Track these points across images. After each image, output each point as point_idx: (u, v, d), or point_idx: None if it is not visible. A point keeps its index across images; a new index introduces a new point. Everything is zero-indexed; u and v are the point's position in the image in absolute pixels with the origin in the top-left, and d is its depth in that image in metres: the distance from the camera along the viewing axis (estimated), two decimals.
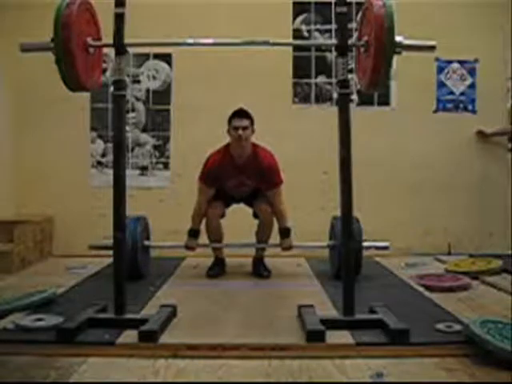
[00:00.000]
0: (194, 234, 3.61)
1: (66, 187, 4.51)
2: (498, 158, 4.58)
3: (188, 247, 3.61)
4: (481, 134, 4.59)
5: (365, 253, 4.05)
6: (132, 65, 4.58)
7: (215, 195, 3.61)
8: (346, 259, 2.52)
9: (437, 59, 4.59)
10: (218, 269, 3.69)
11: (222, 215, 3.72)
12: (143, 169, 4.61)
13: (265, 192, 3.56)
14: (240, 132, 3.38)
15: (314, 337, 2.27)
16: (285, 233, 3.58)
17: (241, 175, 3.52)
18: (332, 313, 2.69)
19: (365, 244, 3.47)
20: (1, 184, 4.39)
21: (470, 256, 4.21)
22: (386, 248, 3.61)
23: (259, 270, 3.66)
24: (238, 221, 3.78)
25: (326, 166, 4.26)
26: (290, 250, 3.60)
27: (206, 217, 3.60)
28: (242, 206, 3.77)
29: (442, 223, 4.59)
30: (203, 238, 3.70)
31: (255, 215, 3.71)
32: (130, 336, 2.30)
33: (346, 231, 2.52)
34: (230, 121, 3.46)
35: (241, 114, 3.44)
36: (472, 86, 4.66)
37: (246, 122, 3.42)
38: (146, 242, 3.55)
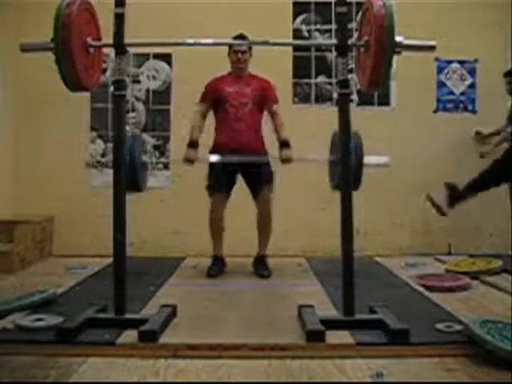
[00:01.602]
0: (192, 145, 3.57)
1: (66, 187, 4.50)
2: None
3: (187, 159, 3.51)
4: (479, 135, 4.59)
5: (365, 253, 4.07)
6: (132, 65, 4.58)
7: (217, 175, 3.60)
8: (345, 260, 2.52)
9: (437, 59, 4.59)
10: (218, 268, 3.68)
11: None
12: None
13: (265, 106, 3.66)
14: (239, 55, 3.59)
15: (314, 337, 2.27)
16: (285, 144, 3.54)
17: (240, 83, 3.66)
18: (332, 313, 2.69)
19: (365, 160, 3.30)
20: (1, 184, 4.39)
21: (469, 256, 4.21)
22: (385, 165, 3.41)
23: (260, 269, 3.66)
24: (239, 220, 3.78)
25: (326, 166, 4.25)
26: (289, 162, 3.48)
27: (210, 209, 3.60)
28: (242, 204, 3.75)
29: (441, 223, 4.59)
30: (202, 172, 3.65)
31: (254, 197, 3.69)
32: (130, 336, 2.31)
33: (346, 232, 2.52)
34: (230, 45, 3.64)
35: (240, 37, 3.56)
36: (472, 85, 4.66)
37: (244, 47, 3.60)
38: (144, 158, 3.44)
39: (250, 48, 3.67)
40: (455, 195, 4.22)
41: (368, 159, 3.17)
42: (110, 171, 2.66)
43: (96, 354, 2.17)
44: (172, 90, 4.60)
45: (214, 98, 3.67)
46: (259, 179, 3.63)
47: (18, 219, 4.17)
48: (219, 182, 3.63)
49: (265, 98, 3.67)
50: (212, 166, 3.65)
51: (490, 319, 2.30)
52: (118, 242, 2.52)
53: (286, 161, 3.49)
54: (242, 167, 3.61)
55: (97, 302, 2.65)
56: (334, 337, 2.30)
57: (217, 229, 3.69)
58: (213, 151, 3.67)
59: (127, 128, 3.30)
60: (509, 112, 4.34)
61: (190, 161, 3.51)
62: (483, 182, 4.14)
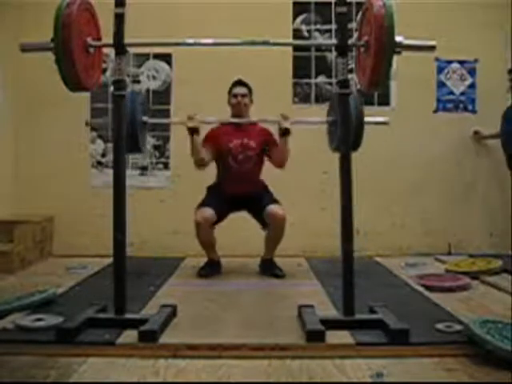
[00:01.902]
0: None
1: (66, 187, 4.51)
2: (498, 157, 4.57)
3: (190, 128, 3.37)
4: (477, 135, 4.59)
5: (365, 253, 4.07)
6: (132, 65, 4.58)
7: (213, 202, 3.58)
8: (345, 260, 2.52)
9: (437, 59, 4.59)
10: (210, 269, 3.66)
11: (215, 222, 3.60)
12: (143, 169, 4.61)
13: (271, 149, 3.61)
14: (239, 98, 3.60)
15: (314, 337, 2.27)
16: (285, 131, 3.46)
17: (242, 133, 3.62)
18: (332, 313, 2.69)
19: (365, 119, 3.16)
20: (1, 184, 4.39)
21: (469, 256, 4.21)
22: (385, 123, 3.29)
23: (273, 270, 3.64)
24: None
25: (326, 166, 4.25)
26: (288, 134, 3.42)
27: (195, 222, 3.53)
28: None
29: (442, 223, 4.59)
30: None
31: (263, 224, 3.64)
32: (130, 336, 2.31)
33: (347, 233, 2.52)
34: (229, 91, 3.68)
35: (240, 83, 3.67)
36: (472, 85, 4.66)
37: (244, 90, 3.65)
38: (145, 118, 3.41)
39: (250, 93, 3.66)
40: None
41: (368, 119, 3.17)
42: (110, 171, 2.66)
43: (96, 354, 2.17)
44: (172, 90, 4.60)
45: (216, 150, 3.60)
46: (262, 204, 3.57)
47: (18, 219, 4.17)
48: (211, 201, 3.60)
49: (268, 143, 3.64)
50: (208, 192, 3.67)
51: (490, 319, 2.30)
52: (117, 242, 2.52)
53: (284, 130, 3.41)
54: (241, 205, 3.65)
55: (97, 301, 2.65)
56: (334, 337, 2.30)
57: (207, 243, 3.64)
58: (214, 187, 3.70)
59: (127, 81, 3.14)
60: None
61: (193, 129, 3.37)
62: None
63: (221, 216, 3.61)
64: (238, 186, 3.61)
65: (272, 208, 3.53)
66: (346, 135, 2.57)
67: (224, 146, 3.60)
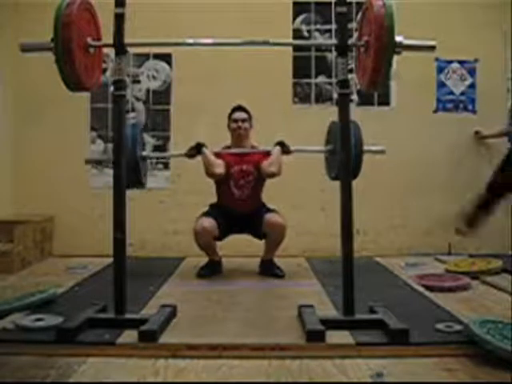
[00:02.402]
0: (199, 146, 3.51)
1: (66, 187, 4.50)
2: (498, 157, 4.56)
3: (197, 145, 3.47)
4: (478, 135, 4.59)
5: (365, 253, 4.07)
6: (132, 65, 4.58)
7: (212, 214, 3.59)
8: (345, 260, 2.52)
9: (437, 59, 4.59)
10: (209, 269, 3.66)
11: (216, 238, 3.62)
12: None
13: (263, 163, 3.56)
14: (240, 123, 3.62)
15: (314, 337, 2.27)
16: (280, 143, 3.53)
17: (242, 159, 3.61)
18: (332, 313, 2.69)
19: (364, 148, 3.26)
20: (1, 184, 4.39)
21: (469, 256, 4.22)
22: (382, 152, 3.35)
23: (273, 270, 3.64)
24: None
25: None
26: (283, 146, 3.51)
27: (193, 231, 3.53)
28: None
29: (441, 223, 4.59)
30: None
31: (262, 237, 3.65)
32: (130, 336, 2.30)
33: (347, 233, 2.52)
34: (229, 116, 3.69)
35: (239, 108, 3.68)
36: (472, 86, 4.66)
37: (244, 115, 3.66)
38: (145, 153, 3.43)
39: (249, 118, 3.67)
40: (469, 222, 3.99)
41: (367, 148, 3.22)
42: (110, 171, 2.66)
43: (96, 354, 2.17)
44: (172, 90, 4.59)
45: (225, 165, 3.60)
46: (259, 220, 3.56)
47: (18, 219, 4.17)
48: (213, 213, 3.60)
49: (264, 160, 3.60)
50: (209, 211, 3.66)
51: (490, 319, 2.31)
52: (118, 242, 2.52)
53: (281, 143, 3.51)
54: (242, 224, 3.64)
55: (97, 301, 2.65)
56: (334, 337, 2.30)
57: (208, 250, 3.64)
58: (216, 205, 3.70)
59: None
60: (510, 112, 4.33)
61: (200, 144, 3.49)
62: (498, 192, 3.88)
63: (223, 231, 3.61)
64: (239, 207, 3.63)
65: (270, 217, 3.54)
66: (346, 140, 2.55)
67: (227, 170, 3.59)
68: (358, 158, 3.12)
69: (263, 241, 3.66)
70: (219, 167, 3.52)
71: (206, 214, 3.60)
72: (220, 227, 3.56)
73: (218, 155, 3.57)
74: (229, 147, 3.70)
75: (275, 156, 3.50)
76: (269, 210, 3.63)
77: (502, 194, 3.85)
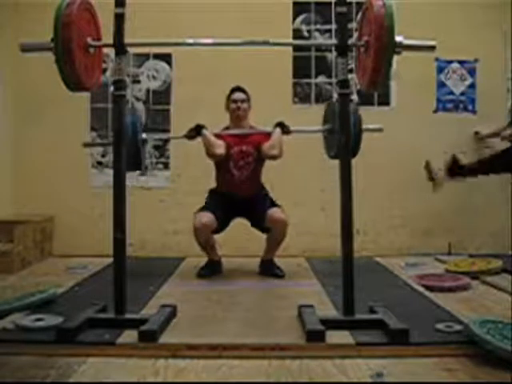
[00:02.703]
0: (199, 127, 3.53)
1: (66, 187, 4.50)
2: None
3: (197, 126, 3.50)
4: (477, 135, 4.59)
5: (365, 253, 4.07)
6: (132, 65, 4.58)
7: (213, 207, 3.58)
8: (345, 260, 2.52)
9: (437, 59, 4.59)
10: (209, 269, 3.66)
11: (215, 231, 3.61)
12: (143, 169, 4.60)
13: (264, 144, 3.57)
14: (239, 104, 3.63)
15: (314, 337, 2.27)
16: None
17: (242, 140, 3.61)
18: (332, 313, 2.69)
19: (363, 127, 3.31)
20: (1, 184, 4.39)
21: (469, 256, 4.22)
22: (380, 130, 3.43)
23: (273, 270, 3.64)
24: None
25: (326, 166, 4.26)
26: (283, 127, 3.54)
27: (193, 227, 3.51)
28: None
29: (442, 223, 4.59)
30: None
31: (263, 230, 3.64)
32: (130, 336, 2.30)
33: (347, 233, 2.52)
34: (228, 97, 3.70)
35: (238, 89, 3.68)
36: (472, 86, 4.66)
37: (243, 96, 3.67)
38: (144, 135, 3.41)
39: (248, 99, 3.68)
40: (456, 169, 4.32)
41: (366, 126, 3.28)
42: (110, 171, 2.66)
43: (96, 354, 2.17)
44: (172, 90, 4.59)
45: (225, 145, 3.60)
46: (262, 212, 3.55)
47: (18, 219, 4.17)
48: (211, 206, 3.59)
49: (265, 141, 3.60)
50: (210, 197, 3.67)
51: (490, 319, 2.30)
52: (118, 242, 2.52)
53: (281, 124, 3.53)
54: (242, 209, 3.63)
55: (97, 302, 2.65)
56: (334, 337, 2.30)
57: (205, 245, 3.63)
58: (215, 192, 3.69)
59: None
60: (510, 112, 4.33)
61: (199, 125, 3.51)
62: (484, 170, 4.22)
63: (222, 222, 3.60)
64: (239, 191, 3.62)
65: (273, 212, 3.53)
66: (347, 139, 2.56)
67: (226, 151, 3.59)
68: (357, 137, 3.11)
69: (263, 241, 3.66)
70: (220, 148, 3.51)
71: (203, 209, 3.58)
72: (218, 220, 3.54)
73: (217, 136, 3.56)
74: (227, 128, 3.70)
75: (276, 138, 3.51)
76: (273, 204, 3.60)
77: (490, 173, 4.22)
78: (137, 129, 3.24)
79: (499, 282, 3.39)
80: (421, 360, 2.14)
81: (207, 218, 3.50)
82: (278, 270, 3.64)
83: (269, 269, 3.65)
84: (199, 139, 3.52)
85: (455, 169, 4.31)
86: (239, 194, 3.62)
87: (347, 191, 2.52)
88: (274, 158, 3.55)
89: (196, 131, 3.51)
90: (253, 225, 3.69)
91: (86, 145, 3.75)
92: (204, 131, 3.49)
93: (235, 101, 3.64)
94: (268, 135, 3.56)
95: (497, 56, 4.58)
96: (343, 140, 2.55)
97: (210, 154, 3.51)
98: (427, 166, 4.41)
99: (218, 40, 2.98)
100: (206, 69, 4.41)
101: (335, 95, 4.40)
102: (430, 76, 4.62)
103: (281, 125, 3.54)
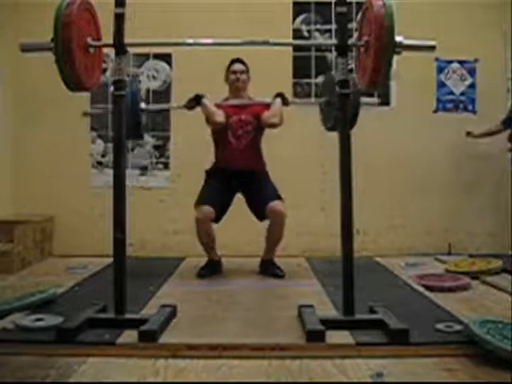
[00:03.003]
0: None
1: (66, 187, 4.50)
2: (497, 157, 4.57)
3: (196, 96, 3.52)
4: (470, 136, 4.56)
5: (365, 253, 4.07)
6: (132, 65, 4.58)
7: (210, 189, 3.58)
8: (345, 260, 2.52)
9: (437, 59, 4.59)
10: (209, 269, 3.66)
11: (216, 219, 3.60)
12: (143, 169, 4.61)
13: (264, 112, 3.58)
14: (238, 75, 3.66)
15: (314, 337, 2.27)
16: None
17: (241, 110, 3.64)
18: (332, 313, 2.69)
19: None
20: (1, 184, 4.39)
21: (469, 256, 4.21)
22: (374, 104, 3.51)
23: (273, 270, 3.64)
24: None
25: (326, 166, 4.27)
26: (288, 104, 3.58)
27: (195, 219, 3.52)
28: (242, 203, 3.75)
29: (442, 223, 4.59)
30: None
31: (260, 217, 3.63)
32: (130, 336, 2.30)
33: (347, 233, 2.52)
34: (228, 68, 3.73)
35: (237, 60, 3.71)
36: (472, 86, 4.66)
37: (242, 67, 3.70)
38: (143, 105, 3.40)
39: (247, 70, 3.71)
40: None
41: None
42: (110, 171, 2.66)
43: (96, 354, 2.17)
44: (172, 90, 4.59)
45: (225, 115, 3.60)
46: (263, 199, 3.55)
47: (18, 219, 4.17)
48: (209, 194, 3.58)
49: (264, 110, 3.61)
50: (207, 180, 3.66)
51: (490, 319, 2.30)
52: (118, 242, 2.52)
53: (280, 95, 3.56)
54: (242, 184, 3.61)
55: (97, 301, 2.65)
56: (334, 337, 2.30)
57: (206, 241, 3.62)
58: (215, 168, 3.68)
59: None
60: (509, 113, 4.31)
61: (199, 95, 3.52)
62: None
63: (222, 206, 3.60)
64: (238, 161, 3.60)
65: (275, 204, 3.51)
66: (346, 138, 2.55)
67: (226, 120, 3.58)
68: (354, 110, 3.10)
69: (263, 241, 3.66)
70: (220, 116, 3.52)
71: (203, 197, 3.58)
72: (217, 208, 3.54)
73: (217, 106, 3.56)
74: (227, 100, 3.71)
75: (277, 107, 3.54)
76: (275, 195, 3.57)
77: None
78: (137, 98, 3.25)
79: (499, 282, 3.39)
80: (421, 360, 2.14)
81: (206, 209, 3.50)
82: (278, 269, 3.64)
83: (269, 269, 3.65)
84: (198, 109, 3.52)
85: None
86: (238, 165, 3.59)
87: (347, 191, 2.52)
88: (274, 126, 3.56)
89: (196, 101, 3.52)
90: (249, 205, 3.66)
91: (86, 114, 3.77)
92: (204, 100, 3.50)
93: (235, 72, 3.67)
94: (267, 106, 3.58)
95: (497, 56, 4.58)
96: (343, 139, 2.55)
97: (210, 122, 3.53)
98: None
99: (217, 40, 2.98)
100: (206, 69, 4.40)
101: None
102: (430, 76, 4.62)
103: (280, 95, 3.57)
